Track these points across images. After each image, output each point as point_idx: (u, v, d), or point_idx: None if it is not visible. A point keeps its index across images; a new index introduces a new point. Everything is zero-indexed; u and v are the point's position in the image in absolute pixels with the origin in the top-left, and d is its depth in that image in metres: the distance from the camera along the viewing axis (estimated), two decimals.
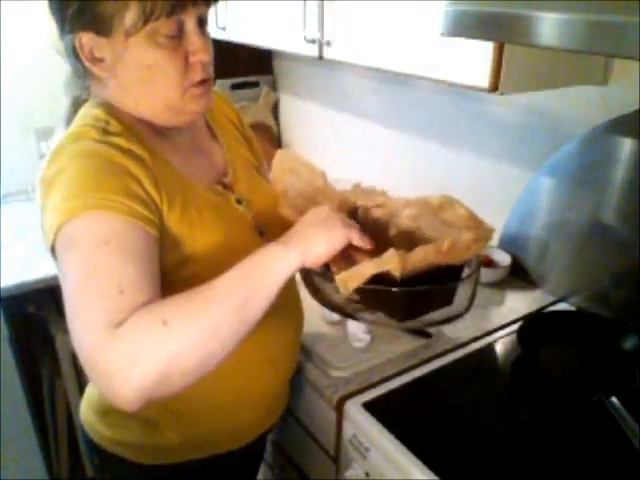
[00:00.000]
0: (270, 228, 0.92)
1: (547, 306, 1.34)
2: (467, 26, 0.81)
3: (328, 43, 1.34)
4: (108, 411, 0.91)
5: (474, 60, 1.00)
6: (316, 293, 0.89)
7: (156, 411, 0.87)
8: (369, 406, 1.02)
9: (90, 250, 0.69)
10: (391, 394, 1.03)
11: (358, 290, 0.76)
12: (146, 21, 0.73)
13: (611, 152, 1.18)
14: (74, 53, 0.79)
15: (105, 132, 0.76)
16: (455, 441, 0.89)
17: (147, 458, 0.91)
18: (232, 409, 0.93)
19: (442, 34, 0.85)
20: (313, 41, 1.38)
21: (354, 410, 1.03)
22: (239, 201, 0.91)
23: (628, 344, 1.12)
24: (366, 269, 0.74)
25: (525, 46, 0.76)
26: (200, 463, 0.93)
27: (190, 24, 0.76)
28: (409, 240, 0.89)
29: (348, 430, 1.04)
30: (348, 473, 1.04)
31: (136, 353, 0.63)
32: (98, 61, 0.78)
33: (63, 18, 0.77)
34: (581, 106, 1.23)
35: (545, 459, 0.87)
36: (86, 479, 1.85)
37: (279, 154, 0.99)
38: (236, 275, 0.70)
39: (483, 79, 1.00)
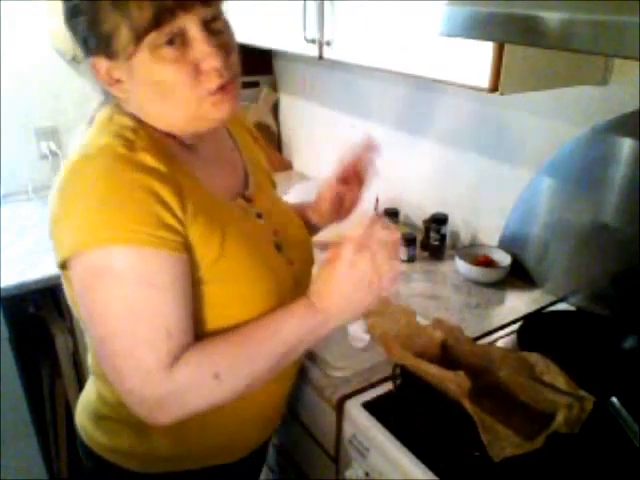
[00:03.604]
0: (285, 242, 0.91)
1: (547, 306, 1.34)
2: (466, 26, 0.81)
3: (328, 43, 1.34)
4: (102, 417, 0.91)
5: (474, 60, 1.00)
6: None
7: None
8: (369, 406, 1.02)
9: (135, 290, 0.71)
10: (391, 394, 1.03)
11: None
12: (138, 38, 0.70)
13: (611, 152, 1.18)
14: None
15: (132, 147, 0.74)
16: (455, 441, 0.89)
17: (137, 465, 0.90)
18: (227, 425, 0.91)
19: (441, 34, 0.85)
20: (313, 41, 1.38)
21: (354, 410, 1.03)
22: (259, 215, 0.90)
23: (628, 344, 1.12)
24: (520, 449, 0.82)
25: (525, 46, 0.75)
26: (192, 473, 0.92)
27: (192, 30, 0.72)
28: (507, 393, 0.96)
29: (348, 430, 1.04)
30: (348, 473, 1.04)
31: (187, 399, 0.74)
32: (117, 82, 0.75)
33: (77, 42, 0.75)
34: (581, 106, 1.23)
35: (545, 459, 0.87)
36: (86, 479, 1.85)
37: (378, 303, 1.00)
38: (279, 333, 0.78)
39: (483, 79, 1.00)
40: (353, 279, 0.76)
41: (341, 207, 1.07)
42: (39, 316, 1.74)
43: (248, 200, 0.89)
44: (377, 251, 0.76)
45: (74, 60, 1.97)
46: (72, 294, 0.80)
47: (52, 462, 1.86)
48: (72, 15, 0.74)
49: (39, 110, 2.01)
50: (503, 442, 0.83)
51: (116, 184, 0.71)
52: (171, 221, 0.72)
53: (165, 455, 0.89)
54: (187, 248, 0.75)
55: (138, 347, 0.71)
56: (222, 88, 0.75)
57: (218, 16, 0.76)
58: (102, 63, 0.74)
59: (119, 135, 0.75)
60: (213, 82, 0.74)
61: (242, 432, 0.95)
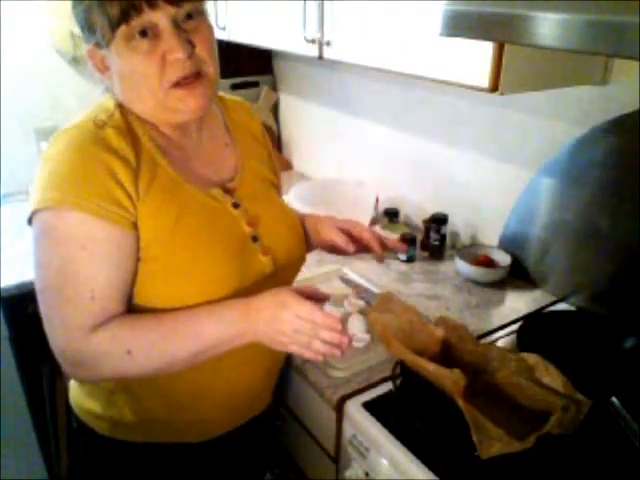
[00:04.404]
0: (265, 235, 0.94)
1: (547, 306, 1.34)
2: (465, 26, 0.81)
3: (328, 43, 1.34)
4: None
5: (474, 60, 1.00)
6: None
7: (116, 387, 0.91)
8: (369, 406, 1.02)
9: (69, 252, 0.78)
10: (391, 394, 1.03)
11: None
12: (111, 28, 0.77)
13: (611, 152, 1.18)
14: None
15: (101, 126, 0.82)
16: (455, 441, 0.89)
17: (106, 429, 0.95)
18: (189, 403, 0.93)
19: (440, 34, 0.85)
20: (313, 41, 1.38)
21: (354, 410, 1.03)
22: (236, 205, 0.92)
23: (628, 344, 1.12)
24: (509, 447, 0.83)
25: (525, 46, 0.75)
26: (157, 446, 0.95)
27: (162, 24, 0.78)
28: (505, 393, 0.97)
29: (348, 430, 1.04)
30: (348, 473, 1.04)
31: (98, 364, 0.80)
32: (106, 69, 0.84)
33: (80, 31, 0.84)
34: (581, 106, 1.23)
35: (545, 459, 0.87)
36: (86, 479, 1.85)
37: (380, 299, 1.04)
38: (200, 328, 0.81)
39: (483, 79, 1.00)
40: (294, 325, 0.79)
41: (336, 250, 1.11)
42: (39, 316, 1.74)
43: (227, 191, 0.93)
44: (324, 332, 0.79)
45: (74, 60, 1.97)
46: None
47: (52, 462, 1.86)
48: (73, 6, 0.82)
49: (39, 110, 2.01)
50: (493, 440, 0.83)
51: (77, 156, 0.79)
52: (121, 197, 0.79)
53: (130, 423, 0.93)
54: (135, 226, 0.81)
55: (64, 304, 0.78)
56: (187, 84, 0.81)
57: (194, 17, 0.82)
58: (95, 51, 0.83)
59: (96, 116, 0.83)
60: (175, 73, 0.80)
61: (206, 413, 0.96)
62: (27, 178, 1.98)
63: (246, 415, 1.03)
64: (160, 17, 0.77)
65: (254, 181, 1.00)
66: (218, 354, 0.83)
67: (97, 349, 0.78)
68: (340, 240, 1.08)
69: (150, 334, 0.81)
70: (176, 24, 0.79)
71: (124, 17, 0.76)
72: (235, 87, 2.15)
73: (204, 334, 0.81)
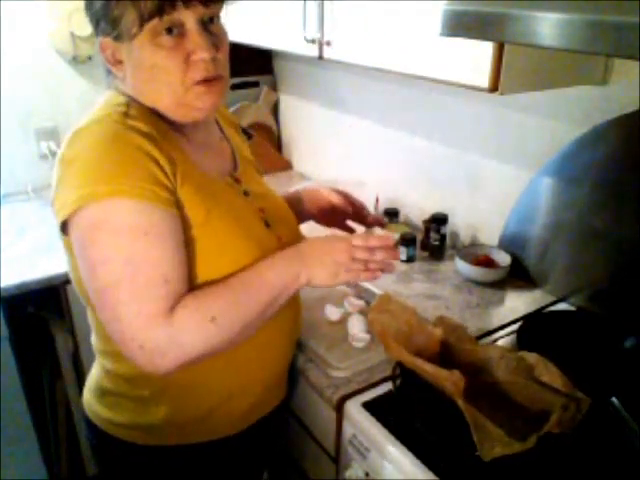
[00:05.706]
0: (273, 220, 0.97)
1: (547, 306, 1.34)
2: (465, 26, 0.81)
3: (328, 43, 1.34)
4: (105, 392, 0.96)
5: (474, 60, 1.00)
6: None
7: (151, 395, 0.91)
8: (369, 406, 1.02)
9: (132, 239, 0.76)
10: (391, 394, 1.03)
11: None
12: (142, 22, 0.78)
13: (611, 152, 1.18)
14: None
15: (126, 115, 0.81)
16: (455, 441, 0.89)
17: (139, 437, 0.94)
18: (216, 396, 0.94)
19: (440, 34, 0.85)
20: (313, 41, 1.38)
21: (354, 410, 1.03)
22: (246, 193, 0.96)
23: (628, 344, 1.12)
24: (510, 448, 0.83)
25: (525, 46, 0.75)
26: (192, 448, 0.95)
27: (190, 24, 0.80)
28: (505, 392, 0.97)
29: (348, 430, 1.04)
30: (348, 473, 1.04)
31: (185, 342, 0.77)
32: (118, 63, 0.85)
33: (91, 23, 0.84)
34: (581, 106, 1.23)
35: (545, 458, 0.87)
36: (86, 479, 1.85)
37: (379, 299, 1.06)
38: (264, 278, 0.84)
39: (483, 79, 1.00)
40: (351, 253, 0.86)
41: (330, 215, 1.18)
42: (39, 316, 1.74)
43: (236, 180, 0.96)
44: (379, 253, 0.87)
45: (74, 60, 1.97)
46: (72, 260, 0.84)
47: (52, 462, 1.86)
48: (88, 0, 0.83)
49: (39, 110, 2.01)
50: (494, 442, 0.83)
51: (112, 144, 0.77)
52: (164, 180, 0.79)
53: (163, 426, 0.92)
54: (178, 207, 0.81)
55: (138, 294, 0.75)
56: (207, 82, 0.83)
57: (215, 21, 0.85)
58: (109, 44, 0.83)
59: (114, 110, 0.82)
60: (199, 73, 0.82)
61: (234, 405, 0.96)
62: (27, 178, 2.01)
63: (268, 405, 1.05)
64: (189, 16, 0.79)
65: (251, 170, 1.04)
66: (281, 305, 0.87)
67: (182, 327, 0.76)
68: (338, 200, 1.15)
69: (225, 296, 0.81)
70: (203, 25, 0.81)
71: (158, 12, 0.77)
72: (235, 87, 2.15)
73: (268, 282, 0.84)
